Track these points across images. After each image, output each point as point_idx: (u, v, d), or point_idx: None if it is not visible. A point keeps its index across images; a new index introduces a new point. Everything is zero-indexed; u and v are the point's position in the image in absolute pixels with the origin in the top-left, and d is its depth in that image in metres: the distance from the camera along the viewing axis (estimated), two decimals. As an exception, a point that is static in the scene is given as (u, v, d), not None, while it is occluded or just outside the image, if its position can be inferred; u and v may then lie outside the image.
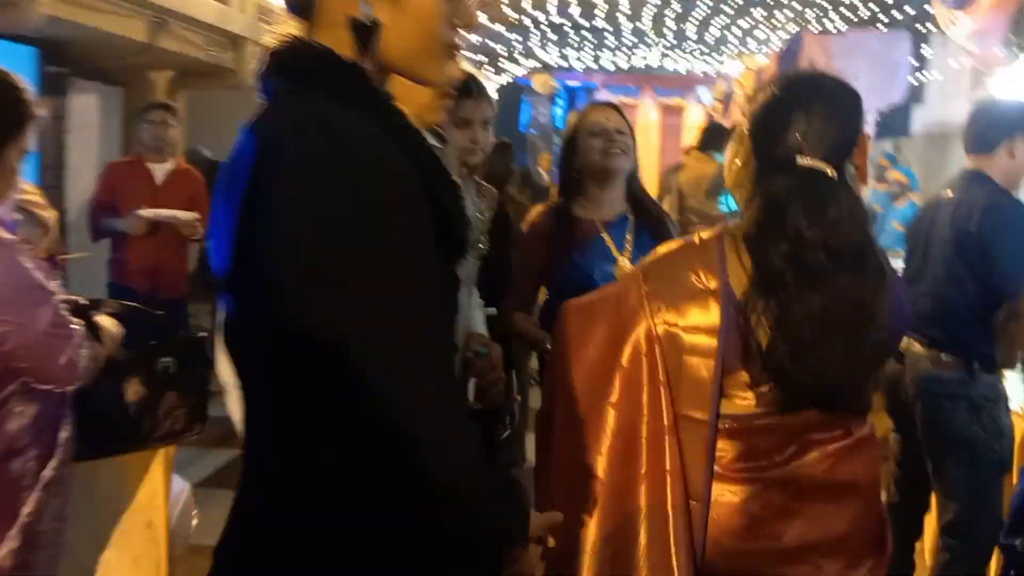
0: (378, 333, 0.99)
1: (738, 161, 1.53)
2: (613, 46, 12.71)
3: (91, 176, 5.58)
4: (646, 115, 15.75)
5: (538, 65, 14.13)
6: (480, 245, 2.47)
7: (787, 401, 1.48)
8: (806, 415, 1.49)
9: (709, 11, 9.51)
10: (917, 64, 8.66)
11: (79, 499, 1.78)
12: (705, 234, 1.56)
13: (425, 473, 1.02)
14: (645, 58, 13.86)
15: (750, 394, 1.49)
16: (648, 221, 2.66)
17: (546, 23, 10.81)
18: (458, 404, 1.22)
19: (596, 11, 10.19)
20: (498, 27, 11.12)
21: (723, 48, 12.33)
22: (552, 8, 9.97)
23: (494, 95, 11.86)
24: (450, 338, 1.25)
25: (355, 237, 0.98)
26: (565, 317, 1.64)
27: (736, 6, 9.26)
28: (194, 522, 2.45)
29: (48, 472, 1.65)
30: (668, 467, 1.50)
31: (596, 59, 14.15)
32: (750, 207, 1.49)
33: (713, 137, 6.04)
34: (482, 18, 10.60)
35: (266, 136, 1.04)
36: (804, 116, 1.47)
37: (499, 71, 14.00)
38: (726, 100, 10.91)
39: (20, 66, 4.90)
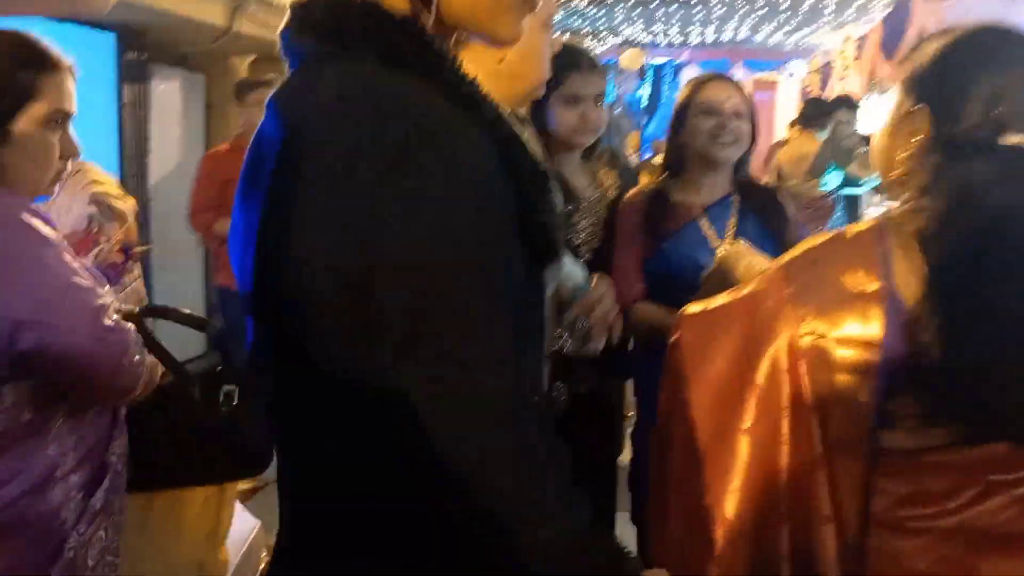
0: (452, 378, 0.75)
1: (903, 141, 1.24)
2: (701, 19, 12.20)
3: (173, 164, 5.53)
4: (788, 89, 15.12)
5: (621, 41, 13.71)
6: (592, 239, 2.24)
7: (970, 432, 1.18)
8: (990, 449, 1.19)
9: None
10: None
11: (131, 533, 1.60)
12: (860, 227, 1.26)
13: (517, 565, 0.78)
14: (736, 30, 13.30)
15: (920, 423, 1.20)
16: (756, 202, 2.32)
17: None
18: (550, 467, 0.84)
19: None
20: (578, 2, 10.78)
21: (819, 18, 11.70)
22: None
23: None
24: (538, 370, 0.98)
25: (419, 250, 0.74)
26: (683, 326, 1.37)
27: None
28: (262, 565, 2.26)
29: (96, 501, 1.46)
30: (817, 510, 1.22)
31: (684, 34, 13.65)
32: (926, 197, 1.20)
33: (814, 112, 5.65)
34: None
35: (293, 115, 0.81)
36: (1001, 79, 1.18)
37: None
38: (824, 73, 10.32)
39: (99, 53, 4.86)
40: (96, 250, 3.63)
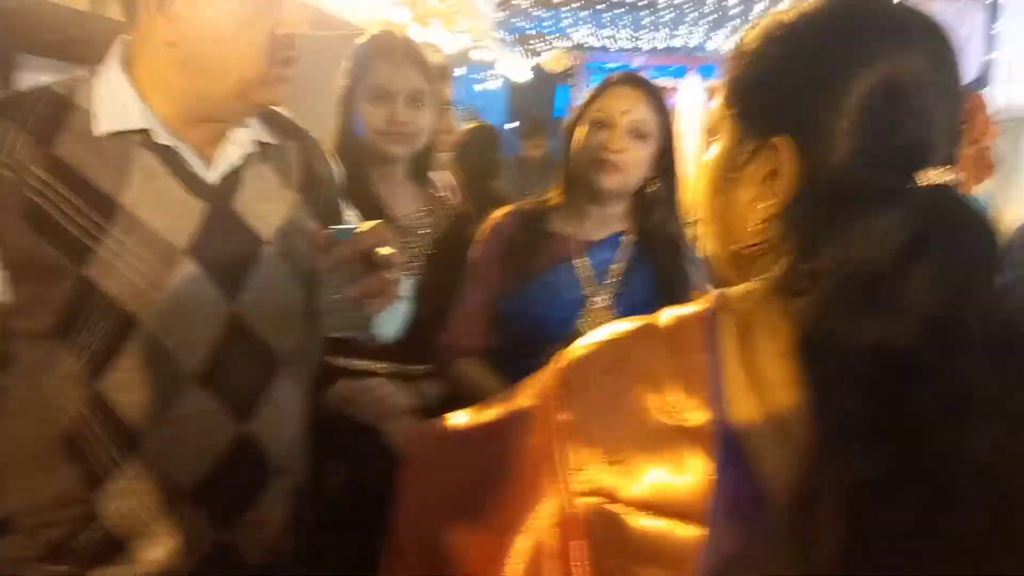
0: None
1: (752, 195, 0.76)
2: (650, 24, 11.83)
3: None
4: (691, 97, 14.78)
5: (570, 45, 13.29)
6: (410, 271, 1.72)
7: None
8: None
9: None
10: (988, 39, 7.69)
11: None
12: (682, 312, 0.77)
13: None
14: (687, 37, 12.94)
15: None
16: (652, 244, 1.76)
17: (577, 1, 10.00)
18: None
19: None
20: (526, 5, 10.34)
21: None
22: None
23: (528, 76, 11.19)
24: None
25: None
26: (411, 457, 0.88)
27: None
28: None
29: None
30: None
31: (634, 39, 13.28)
32: (799, 265, 0.70)
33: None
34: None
35: None
36: (913, 75, 0.70)
37: (532, 53, 13.19)
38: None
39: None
40: None
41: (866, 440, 0.63)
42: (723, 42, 13.04)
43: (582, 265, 1.74)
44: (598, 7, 10.77)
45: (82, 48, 5.08)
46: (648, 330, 0.75)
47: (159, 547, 1.10)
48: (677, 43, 13.37)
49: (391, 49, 1.75)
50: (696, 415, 0.69)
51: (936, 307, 0.64)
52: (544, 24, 11.92)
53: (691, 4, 10.57)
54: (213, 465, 1.12)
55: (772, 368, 0.68)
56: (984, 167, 1.76)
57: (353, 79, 1.77)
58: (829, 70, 0.71)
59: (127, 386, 1.06)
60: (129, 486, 1.08)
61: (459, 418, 0.87)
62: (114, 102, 1.09)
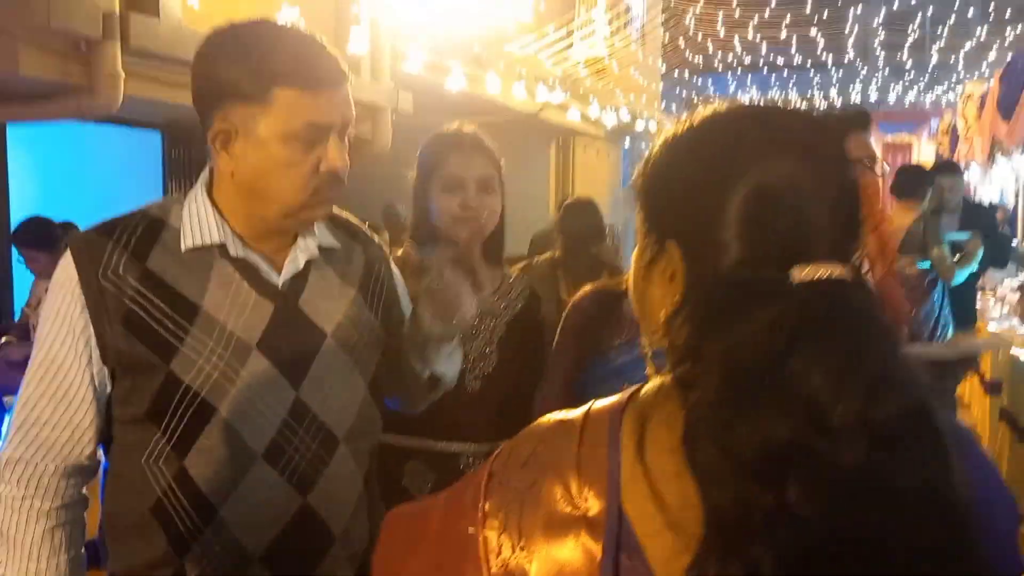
0: None
1: (658, 293, 0.82)
2: (820, 83, 11.59)
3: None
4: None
5: (739, 110, 13.21)
6: (482, 361, 1.86)
7: None
8: None
9: (920, 34, 8.30)
10: None
11: None
12: (600, 405, 0.84)
13: None
14: (862, 93, 12.55)
15: None
16: None
17: (737, 64, 10.01)
18: None
19: (792, 49, 9.26)
20: (688, 74, 10.45)
21: (951, 74, 10.85)
22: (739, 46, 9.16)
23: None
24: None
25: None
26: (383, 532, 0.99)
27: (955, 26, 8.01)
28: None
29: None
30: None
31: (806, 98, 13.02)
32: (693, 367, 0.75)
33: (908, 181, 5.00)
34: (663, 67, 9.99)
35: None
36: (774, 178, 0.75)
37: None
38: (951, 132, 9.46)
39: (145, 152, 4.94)
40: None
41: (747, 529, 0.67)
42: (901, 96, 12.56)
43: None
44: (762, 71, 10.73)
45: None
46: (564, 425, 0.83)
47: None
48: (855, 99, 13.00)
49: (460, 141, 1.90)
50: (593, 504, 0.76)
51: (813, 396, 0.68)
52: (709, 89, 11.96)
53: (862, 60, 10.32)
54: (280, 532, 1.27)
55: (663, 461, 0.74)
56: (888, 252, 1.74)
57: (426, 172, 1.90)
58: (705, 180, 0.77)
59: (205, 463, 1.24)
60: (210, 551, 1.25)
61: (422, 502, 0.98)
62: (198, 221, 1.30)
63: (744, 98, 12.77)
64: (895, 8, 7.74)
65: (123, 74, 3.56)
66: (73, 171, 4.97)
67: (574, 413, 0.84)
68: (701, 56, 9.46)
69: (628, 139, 12.65)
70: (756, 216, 0.74)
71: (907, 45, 8.91)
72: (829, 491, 0.67)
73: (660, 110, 11.73)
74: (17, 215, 4.00)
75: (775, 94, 12.50)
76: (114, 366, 1.24)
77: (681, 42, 8.59)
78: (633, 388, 0.84)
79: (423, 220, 1.90)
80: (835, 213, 0.76)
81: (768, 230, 0.74)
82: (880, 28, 8.10)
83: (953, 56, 9.58)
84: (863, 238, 0.79)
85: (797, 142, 0.78)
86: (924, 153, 13.35)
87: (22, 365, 3.74)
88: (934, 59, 9.60)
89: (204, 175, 1.35)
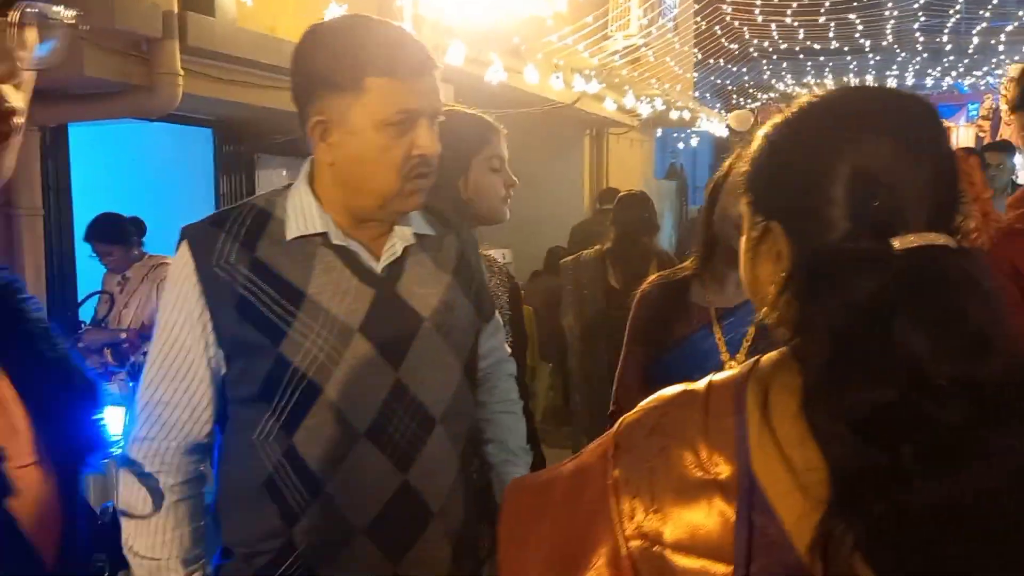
0: None
1: (766, 270, 0.88)
2: (856, 69, 11.49)
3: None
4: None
5: (774, 96, 13.12)
6: None
7: None
8: None
9: (960, 18, 8.21)
10: None
11: None
12: (721, 377, 0.89)
13: None
14: (902, 76, 12.42)
15: None
16: None
17: (774, 51, 9.95)
18: None
19: (829, 32, 9.19)
20: (720, 62, 10.41)
21: (993, 57, 10.71)
22: (776, 35, 9.11)
23: (724, 132, 11.14)
24: None
25: None
26: (505, 507, 1.04)
27: (997, 6, 7.92)
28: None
29: None
30: None
31: (839, 84, 12.92)
32: (804, 337, 0.82)
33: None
34: (699, 54, 9.96)
35: None
36: (869, 159, 0.80)
37: (732, 109, 13.17)
38: (993, 116, 9.34)
39: (198, 147, 5.04)
40: (145, 346, 3.68)
41: (868, 489, 0.73)
42: (939, 80, 12.41)
43: (718, 332, 1.83)
44: (799, 57, 10.65)
45: (307, 146, 5.68)
46: (688, 396, 0.89)
47: None
48: (891, 83, 12.88)
49: (494, 123, 1.95)
50: (723, 469, 0.81)
51: (917, 358, 0.73)
52: (744, 78, 11.90)
53: (899, 45, 10.20)
54: (382, 508, 1.34)
55: (787, 427, 0.80)
56: (991, 220, 1.79)
57: (466, 156, 1.89)
58: (807, 161, 0.83)
59: (313, 440, 1.31)
60: (317, 524, 1.32)
61: (545, 472, 1.03)
62: (300, 212, 1.37)
63: (781, 85, 12.70)
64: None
65: (182, 72, 3.65)
66: (129, 168, 5.09)
67: (696, 384, 0.90)
68: (737, 44, 9.43)
69: (660, 130, 12.63)
70: (857, 193, 0.80)
71: (947, 28, 8.82)
72: (936, 451, 0.72)
73: (694, 99, 11.70)
74: (79, 212, 4.11)
75: (810, 80, 12.41)
76: (228, 349, 1.32)
77: (718, 29, 8.57)
78: (752, 360, 0.89)
79: (462, 202, 1.94)
80: (934, 186, 0.81)
81: (869, 205, 0.79)
82: (920, 12, 8.02)
83: (994, 39, 9.46)
84: (965, 208, 0.84)
85: (895, 120, 0.83)
86: (962, 138, 13.20)
87: (99, 351, 3.83)
88: (975, 42, 9.49)
89: (305, 168, 1.42)
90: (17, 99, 0.65)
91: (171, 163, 5.05)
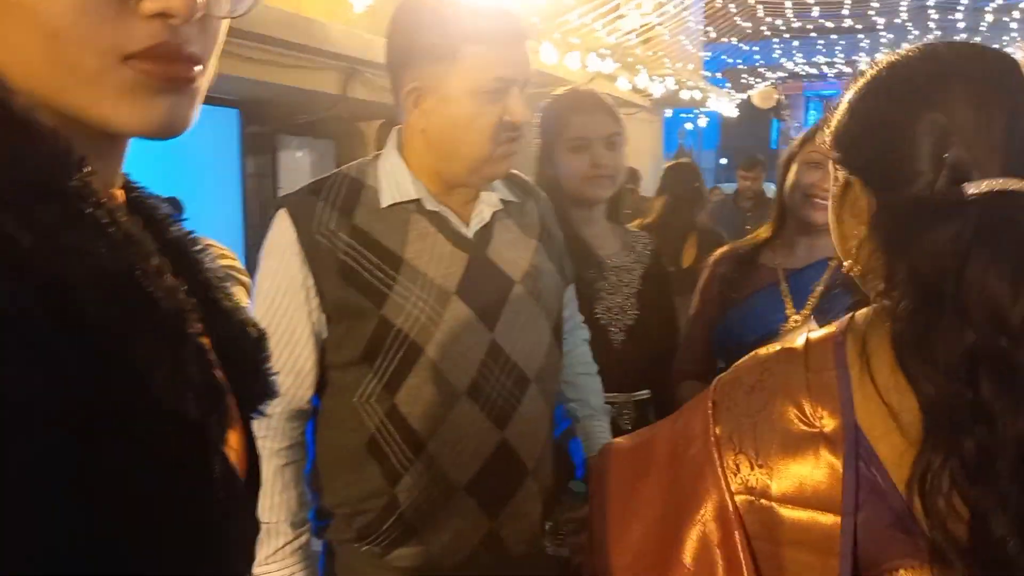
0: None
1: (850, 223, 0.91)
2: (867, 48, 11.45)
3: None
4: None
5: (784, 75, 13.09)
6: (622, 315, 1.94)
7: None
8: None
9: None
10: None
11: None
12: (816, 335, 0.91)
13: None
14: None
15: None
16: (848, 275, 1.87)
17: (786, 29, 9.91)
18: None
19: (843, 10, 9.16)
20: (735, 41, 10.37)
21: (1004, 33, 10.67)
22: (791, 13, 9.07)
23: (734, 112, 11.10)
24: None
25: None
26: (607, 465, 1.07)
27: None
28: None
29: None
30: None
31: (853, 63, 12.87)
32: (888, 292, 0.84)
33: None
34: (712, 32, 9.92)
35: None
36: (943, 115, 0.83)
37: (742, 88, 13.14)
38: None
39: (223, 128, 5.05)
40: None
41: (957, 424, 0.76)
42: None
43: (784, 289, 1.87)
44: (811, 35, 10.61)
45: (331, 125, 5.75)
46: (787, 353, 0.91)
47: (444, 532, 1.36)
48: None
49: (582, 101, 1.97)
50: (828, 422, 0.84)
51: (992, 300, 0.76)
52: (754, 57, 11.87)
53: (912, 23, 10.16)
54: (482, 464, 1.36)
55: (886, 376, 0.82)
56: None
57: (550, 134, 1.95)
58: (881, 116, 0.86)
59: (414, 400, 1.33)
60: (419, 482, 1.35)
61: (639, 435, 1.06)
62: (393, 179, 1.38)
63: (790, 64, 12.67)
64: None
65: (216, 51, 3.65)
66: (156, 147, 5.09)
67: (795, 342, 0.92)
68: (750, 22, 9.39)
69: (670, 110, 12.62)
70: (931, 144, 0.82)
71: (960, 6, 8.78)
72: (1014, 388, 0.75)
73: (703, 78, 11.67)
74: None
75: (820, 59, 12.38)
76: (331, 313, 1.34)
77: (732, 7, 8.54)
78: (848, 316, 0.91)
79: (549, 182, 1.94)
80: (1009, 136, 0.82)
81: (943, 155, 0.81)
82: (936, -12, 7.99)
83: (1007, 16, 9.43)
84: None
85: (971, 74, 0.84)
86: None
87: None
88: (988, 20, 9.46)
89: (393, 137, 1.44)
90: (200, 44, 0.60)
91: (197, 143, 5.06)
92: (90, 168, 0.57)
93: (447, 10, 1.33)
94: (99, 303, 0.53)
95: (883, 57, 0.91)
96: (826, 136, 0.94)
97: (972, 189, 0.80)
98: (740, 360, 0.95)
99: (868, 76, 0.90)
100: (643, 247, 2.04)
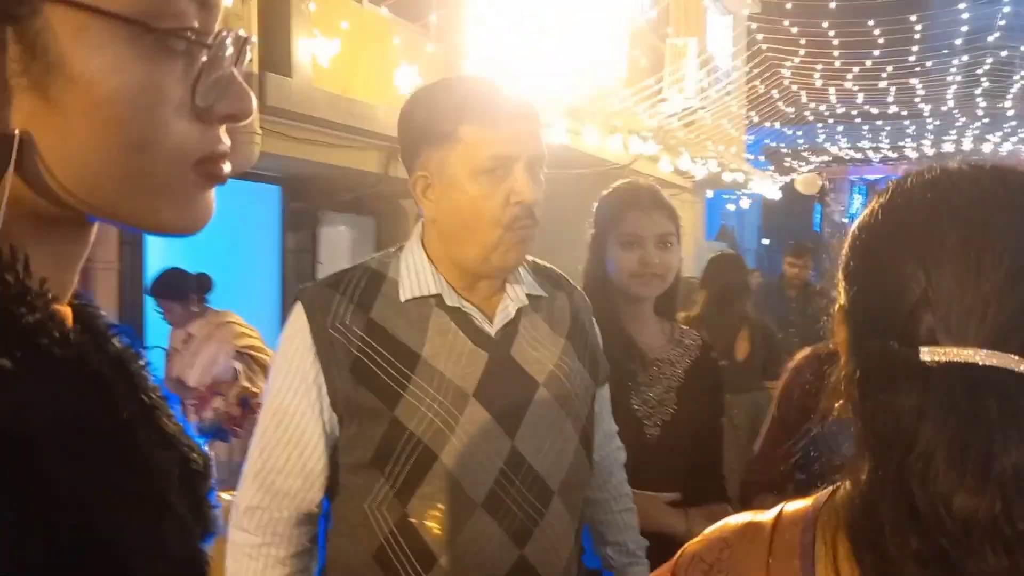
0: None
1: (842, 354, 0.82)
2: (913, 134, 11.38)
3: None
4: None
5: (828, 159, 13.04)
6: (659, 408, 1.86)
7: None
8: None
9: (1026, 83, 8.12)
10: None
11: None
12: (793, 508, 0.81)
13: None
14: (957, 142, 12.28)
15: None
16: None
17: (830, 115, 9.91)
18: None
19: (888, 97, 9.14)
20: (777, 125, 10.38)
21: (1054, 123, 10.55)
22: (834, 99, 9.07)
23: (777, 195, 11.09)
24: None
25: None
26: None
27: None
28: None
29: None
30: None
31: (898, 148, 12.80)
32: (858, 453, 0.75)
33: None
34: (755, 116, 9.96)
35: None
36: (941, 262, 0.71)
37: (785, 170, 13.11)
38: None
39: (265, 205, 5.12)
40: (215, 403, 3.68)
41: None
42: (999, 145, 12.23)
43: None
44: (856, 120, 10.59)
45: (373, 203, 5.82)
46: (752, 531, 0.82)
47: None
48: (948, 148, 12.72)
49: (639, 197, 1.92)
50: None
51: (942, 497, 0.66)
52: (797, 140, 11.86)
53: (960, 110, 10.10)
54: None
55: (847, 567, 0.73)
56: None
57: (604, 227, 1.92)
58: (869, 261, 0.77)
59: (426, 510, 1.26)
60: None
61: None
62: (414, 272, 1.34)
63: (835, 148, 12.59)
64: (1003, 56, 7.60)
65: (260, 132, 3.72)
66: (199, 223, 5.18)
67: (763, 516, 0.83)
68: (793, 107, 9.41)
69: (711, 191, 12.61)
70: (906, 302, 0.72)
71: (1010, 94, 8.72)
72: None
73: (746, 161, 11.68)
74: (151, 266, 4.17)
75: (865, 144, 12.33)
76: (342, 412, 1.28)
77: (775, 93, 8.57)
78: (832, 488, 0.81)
79: (598, 272, 1.91)
80: (999, 297, 0.70)
81: (912, 313, 0.71)
82: (983, 77, 7.94)
83: (1057, 104, 9.34)
84: None
85: (969, 219, 0.72)
86: None
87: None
88: (1037, 107, 9.37)
89: (418, 228, 1.40)
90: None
91: (239, 219, 5.13)
92: (51, 294, 0.52)
93: (446, 95, 1.32)
94: (66, 466, 0.47)
95: (896, 181, 0.80)
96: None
97: (933, 356, 0.69)
98: (709, 529, 0.86)
99: (872, 206, 0.79)
100: (691, 341, 1.97)
